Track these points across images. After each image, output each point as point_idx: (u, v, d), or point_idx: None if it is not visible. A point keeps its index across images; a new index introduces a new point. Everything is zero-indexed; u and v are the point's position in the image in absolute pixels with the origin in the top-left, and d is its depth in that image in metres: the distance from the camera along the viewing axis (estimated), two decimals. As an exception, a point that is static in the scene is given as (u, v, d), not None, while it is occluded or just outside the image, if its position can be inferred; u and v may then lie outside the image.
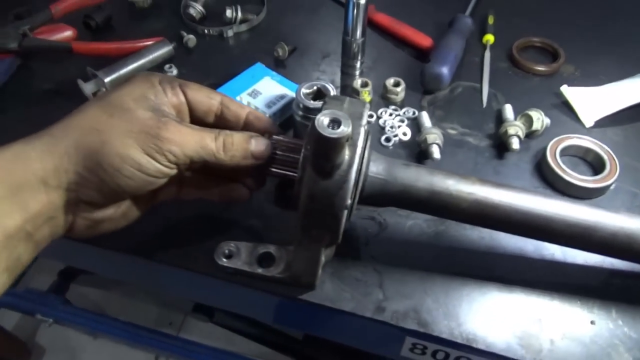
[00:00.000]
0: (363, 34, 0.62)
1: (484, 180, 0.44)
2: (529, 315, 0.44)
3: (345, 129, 0.35)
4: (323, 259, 0.45)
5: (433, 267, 0.48)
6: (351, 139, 0.39)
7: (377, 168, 0.43)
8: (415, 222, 0.51)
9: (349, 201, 0.39)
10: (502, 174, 0.55)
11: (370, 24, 0.73)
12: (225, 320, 1.23)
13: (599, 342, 0.43)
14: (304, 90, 0.52)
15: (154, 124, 0.36)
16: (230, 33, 0.71)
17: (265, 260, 0.46)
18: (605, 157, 0.54)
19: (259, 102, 0.58)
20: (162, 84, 0.40)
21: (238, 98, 0.59)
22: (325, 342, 1.10)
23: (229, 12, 0.70)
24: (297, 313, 0.51)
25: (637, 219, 0.42)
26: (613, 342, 0.43)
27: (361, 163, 0.40)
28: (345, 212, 0.39)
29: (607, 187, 0.53)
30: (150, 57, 0.64)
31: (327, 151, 0.36)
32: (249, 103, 0.58)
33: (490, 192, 0.43)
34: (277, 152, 0.43)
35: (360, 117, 0.40)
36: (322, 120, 0.36)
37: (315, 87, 0.52)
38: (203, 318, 1.21)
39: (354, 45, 0.63)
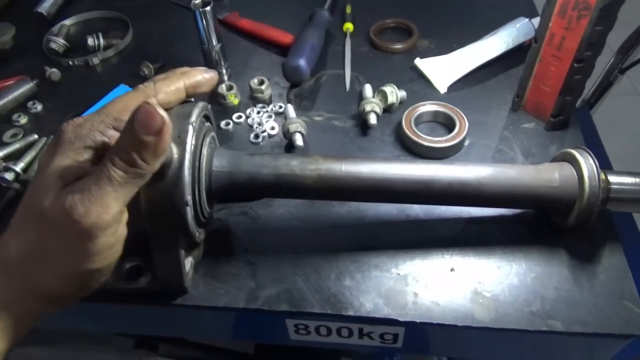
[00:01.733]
0: (219, 39, 0.63)
1: (327, 156, 0.45)
2: (394, 275, 0.46)
3: (159, 127, 0.36)
4: (191, 260, 0.46)
5: (304, 248, 0.49)
6: (179, 138, 0.40)
7: (220, 162, 0.44)
8: (286, 209, 0.52)
9: (187, 197, 0.39)
10: (367, 150, 0.58)
11: (236, 30, 0.75)
12: (171, 351, 1.20)
13: (457, 285, 0.45)
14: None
15: (66, 228, 0.33)
16: (96, 61, 0.71)
17: (135, 273, 0.46)
18: (454, 116, 0.57)
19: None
20: (83, 126, 0.36)
21: (101, 122, 0.59)
22: (277, 352, 1.09)
23: (90, 41, 0.71)
24: (177, 320, 0.51)
25: (469, 166, 0.45)
26: (470, 284, 0.45)
27: (196, 159, 0.41)
28: (188, 209, 0.40)
29: (461, 143, 0.56)
30: (11, 96, 0.63)
31: (145, 152, 0.37)
32: (112, 125, 0.58)
33: (333, 166, 0.44)
34: None
35: (189, 115, 0.41)
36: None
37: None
38: (148, 353, 1.18)
39: (213, 52, 0.64)
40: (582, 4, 0.47)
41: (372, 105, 0.58)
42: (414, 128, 0.57)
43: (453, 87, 0.64)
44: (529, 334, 0.42)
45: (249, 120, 0.62)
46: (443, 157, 0.56)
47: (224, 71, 0.66)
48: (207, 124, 0.45)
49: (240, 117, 0.62)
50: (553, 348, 0.45)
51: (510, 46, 0.64)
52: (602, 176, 0.44)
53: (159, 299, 0.46)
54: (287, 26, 0.73)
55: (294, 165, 0.44)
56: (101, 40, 0.71)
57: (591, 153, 0.45)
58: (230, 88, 0.63)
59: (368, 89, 0.61)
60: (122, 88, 0.63)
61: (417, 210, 0.51)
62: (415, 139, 0.55)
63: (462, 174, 0.45)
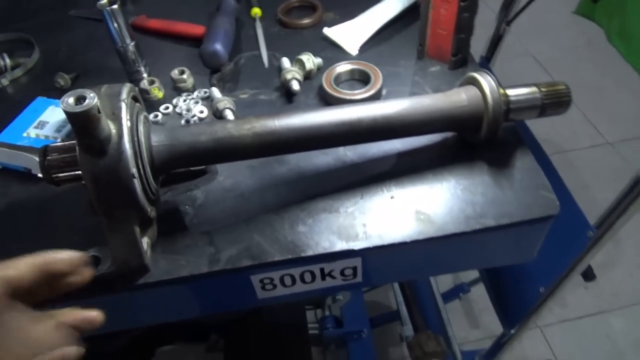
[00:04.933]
0: (132, 37, 0.64)
1: (260, 115, 0.48)
2: (342, 213, 0.50)
3: (90, 102, 0.37)
4: (147, 239, 0.47)
5: (254, 209, 0.51)
6: (113, 114, 0.41)
7: (159, 137, 0.46)
8: (232, 180, 0.54)
9: (133, 170, 0.41)
10: (296, 115, 0.61)
11: (146, 32, 0.76)
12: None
13: (399, 209, 0.49)
14: (68, 100, 0.52)
15: None
16: (5, 82, 0.69)
17: (94, 264, 0.46)
18: (368, 71, 0.62)
19: (48, 131, 0.58)
20: None
21: (25, 134, 0.58)
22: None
23: (-4, 63, 0.69)
24: (144, 304, 0.51)
25: (389, 102, 0.50)
26: (410, 206, 0.50)
27: (134, 135, 0.42)
28: (136, 181, 0.41)
29: (379, 93, 0.61)
30: None
31: (83, 126, 0.38)
32: (37, 135, 0.58)
33: (267, 122, 0.47)
34: (52, 156, 0.43)
35: (119, 94, 0.43)
36: (67, 100, 0.37)
37: (77, 95, 0.53)
38: None
39: (128, 51, 0.65)
40: (455, -51, 0.54)
41: (292, 74, 0.62)
42: (335, 86, 0.61)
43: (364, 49, 0.69)
44: (468, 235, 0.47)
45: (177, 109, 0.63)
46: (366, 108, 0.60)
47: (142, 68, 0.67)
48: (137, 104, 0.46)
49: (167, 107, 0.63)
50: (492, 245, 0.51)
51: (407, 4, 0.71)
52: (502, 91, 0.51)
53: (122, 283, 0.46)
54: (196, 20, 0.75)
55: (230, 128, 0.47)
56: (7, 61, 0.69)
57: (490, 73, 0.51)
58: (152, 82, 0.64)
59: (286, 61, 0.65)
60: (41, 100, 0.62)
61: (352, 155, 0.55)
62: (338, 95, 0.60)
63: (384, 109, 0.49)
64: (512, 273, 0.99)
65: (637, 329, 1.46)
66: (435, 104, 0.50)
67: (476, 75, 0.51)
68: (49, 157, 0.43)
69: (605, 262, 1.61)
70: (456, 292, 1.31)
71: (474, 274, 1.30)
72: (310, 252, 0.47)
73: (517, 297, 0.98)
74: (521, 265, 0.94)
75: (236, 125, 0.47)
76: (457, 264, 0.56)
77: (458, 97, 0.50)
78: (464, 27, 0.59)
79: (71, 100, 0.37)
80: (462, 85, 0.54)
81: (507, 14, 1.10)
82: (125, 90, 0.43)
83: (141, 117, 0.45)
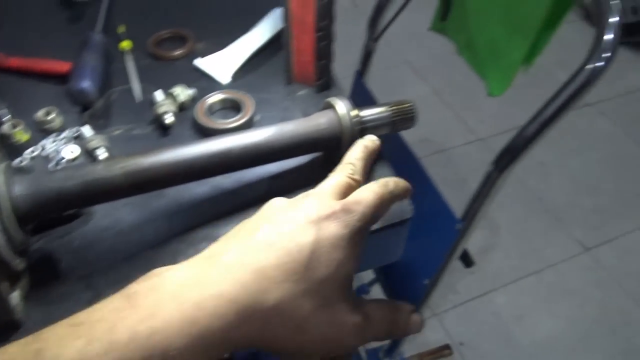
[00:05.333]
0: (-14, 80, 0.61)
1: (131, 153, 0.49)
2: (222, 240, 0.52)
3: None
4: (18, 292, 0.45)
5: (134, 246, 0.52)
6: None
7: (21, 186, 0.45)
8: (108, 221, 0.54)
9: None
10: (172, 147, 0.63)
11: (6, 71, 0.72)
12: None
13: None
14: None
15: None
16: None
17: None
18: (240, 99, 0.65)
19: None
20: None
21: None
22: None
23: None
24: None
25: (257, 131, 0.53)
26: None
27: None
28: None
29: (251, 120, 0.64)
30: None
31: None
32: None
33: (138, 160, 0.48)
34: None
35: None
36: None
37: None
38: None
39: (-16, 94, 0.62)
40: (305, -14, 0.59)
41: (165, 107, 0.63)
42: (208, 117, 0.63)
43: (236, 77, 0.72)
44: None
45: (44, 152, 0.61)
46: (240, 135, 0.64)
47: (4, 111, 0.64)
48: (-5, 154, 0.45)
49: (34, 151, 0.61)
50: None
51: (274, 32, 0.75)
52: (355, 112, 0.57)
53: (-8, 342, 0.44)
54: (62, 56, 0.73)
55: (100, 169, 0.47)
56: None
57: (344, 98, 0.57)
58: (15, 126, 0.61)
59: (159, 94, 0.66)
60: None
61: (228, 183, 0.58)
62: (211, 125, 0.62)
63: (253, 138, 0.53)
64: (400, 271, 1.08)
65: (517, 303, 1.65)
66: (298, 130, 0.55)
67: (331, 100, 0.56)
68: None
69: (486, 247, 1.81)
70: (358, 293, 1.39)
71: (372, 274, 1.39)
72: (192, 282, 0.49)
73: (407, 292, 1.07)
74: (407, 263, 1.03)
75: (106, 166, 0.47)
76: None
77: (317, 121, 0.56)
78: (322, 55, 0.65)
79: None
80: (323, 109, 0.59)
81: (373, 32, 1.20)
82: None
83: (1, 167, 0.44)
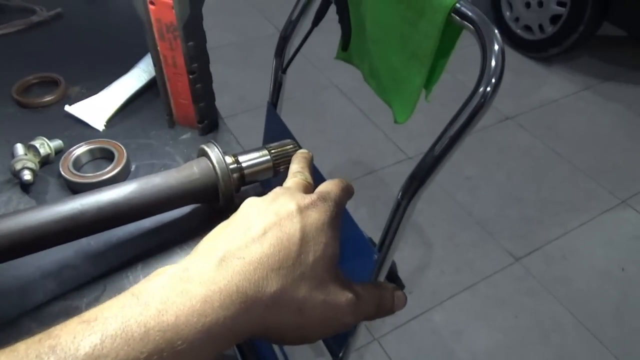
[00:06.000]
0: None
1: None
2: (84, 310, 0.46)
3: None
4: None
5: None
6: None
7: None
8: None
9: None
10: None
11: None
12: None
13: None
14: None
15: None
16: None
17: None
18: (111, 148, 0.60)
19: None
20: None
21: None
22: None
23: None
24: None
25: (115, 188, 0.48)
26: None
27: None
28: None
29: (126, 169, 0.59)
30: None
31: None
32: None
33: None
34: None
35: None
36: None
37: None
38: None
39: None
40: (170, 26, 0.55)
41: (23, 162, 0.57)
42: (74, 171, 0.57)
43: (113, 123, 0.67)
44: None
45: None
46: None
47: None
48: None
49: None
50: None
51: (152, 74, 0.71)
52: (231, 159, 0.52)
53: None
54: None
55: None
56: None
57: (217, 144, 0.53)
58: None
59: (18, 148, 0.59)
60: None
61: (95, 245, 0.52)
62: (78, 180, 0.56)
63: (109, 196, 0.47)
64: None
65: (455, 319, 1.66)
66: (167, 182, 0.50)
67: (204, 147, 0.52)
68: None
69: (421, 265, 1.81)
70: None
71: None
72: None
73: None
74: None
75: None
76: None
77: (190, 171, 0.51)
78: (200, 97, 0.61)
79: None
80: (198, 156, 0.54)
81: (281, 63, 1.17)
82: None
83: None
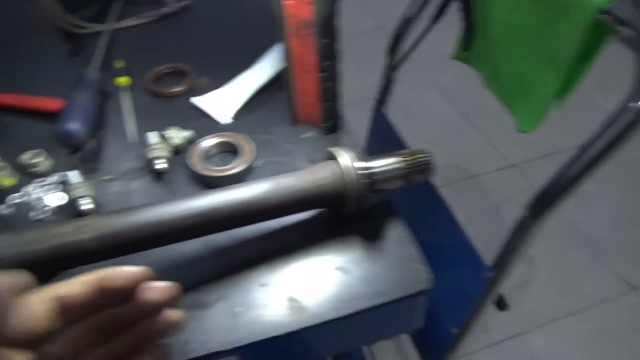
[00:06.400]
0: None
1: (103, 213, 0.44)
2: (212, 307, 0.46)
3: None
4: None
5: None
6: None
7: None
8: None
9: None
10: (164, 196, 0.57)
11: None
12: None
13: (271, 297, 0.46)
14: None
15: None
16: None
17: None
18: (238, 142, 0.59)
19: None
20: None
21: None
22: None
23: None
24: None
25: (250, 186, 0.47)
26: (282, 293, 0.47)
27: None
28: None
29: (250, 167, 0.58)
30: None
31: None
32: None
33: (109, 222, 0.43)
34: None
35: None
36: None
37: None
38: None
39: (-33, 137, 0.58)
40: (306, 24, 0.53)
41: (157, 151, 0.58)
42: (202, 163, 0.57)
43: (239, 116, 0.66)
44: (343, 320, 0.45)
45: (25, 199, 0.56)
46: (239, 182, 0.57)
47: (-12, 155, 0.60)
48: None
49: (18, 197, 0.57)
50: (370, 324, 0.49)
51: (277, 69, 0.70)
52: (362, 164, 0.49)
53: None
54: (58, 92, 0.69)
55: (68, 232, 0.42)
56: None
57: (347, 148, 0.50)
58: (1, 169, 0.57)
59: (152, 136, 0.61)
60: None
61: (221, 240, 0.51)
62: (205, 172, 0.56)
63: (245, 194, 0.46)
64: (427, 317, 0.99)
65: (555, 346, 1.52)
66: (300, 184, 0.48)
67: (332, 151, 0.50)
68: None
69: (521, 283, 1.68)
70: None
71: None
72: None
73: (435, 340, 0.99)
74: (434, 309, 0.94)
75: (75, 229, 0.42)
76: (341, 344, 0.53)
77: (322, 175, 0.49)
78: (328, 96, 0.58)
79: None
80: (327, 159, 0.52)
81: (392, 60, 1.13)
82: None
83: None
